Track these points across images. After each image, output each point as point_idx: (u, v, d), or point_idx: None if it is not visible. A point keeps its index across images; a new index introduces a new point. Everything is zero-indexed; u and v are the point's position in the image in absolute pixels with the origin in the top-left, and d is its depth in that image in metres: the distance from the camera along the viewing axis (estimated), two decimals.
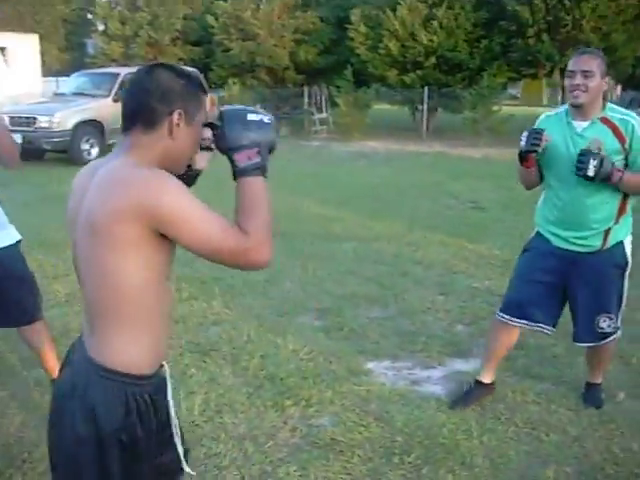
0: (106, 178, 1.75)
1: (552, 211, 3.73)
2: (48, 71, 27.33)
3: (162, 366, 1.94)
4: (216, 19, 23.35)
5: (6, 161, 3.63)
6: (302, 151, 17.69)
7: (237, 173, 1.78)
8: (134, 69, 17.99)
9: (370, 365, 4.51)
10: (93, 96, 16.20)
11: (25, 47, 24.60)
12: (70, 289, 6.04)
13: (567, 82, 3.54)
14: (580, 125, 3.56)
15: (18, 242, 3.71)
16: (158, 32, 25.17)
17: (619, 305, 3.73)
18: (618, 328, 3.74)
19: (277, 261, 6.61)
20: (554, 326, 3.84)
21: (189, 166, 1.97)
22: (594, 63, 3.49)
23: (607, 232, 3.61)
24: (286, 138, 20.67)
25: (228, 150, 1.80)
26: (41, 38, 27.10)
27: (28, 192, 11.31)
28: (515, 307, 3.84)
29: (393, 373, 4.40)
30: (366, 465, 3.29)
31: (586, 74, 3.46)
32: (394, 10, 19.77)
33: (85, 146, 15.27)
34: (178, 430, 1.99)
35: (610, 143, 3.49)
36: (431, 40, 19.37)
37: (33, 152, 15.47)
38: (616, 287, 3.71)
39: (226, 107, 1.87)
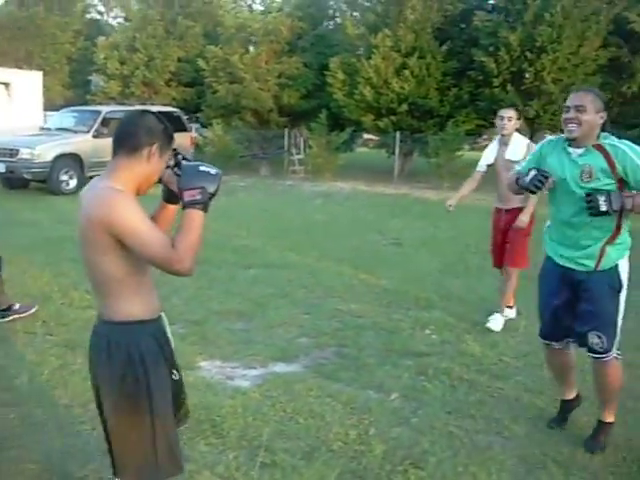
0: (91, 199, 2.50)
1: (554, 230, 4.06)
2: (52, 106, 28.36)
3: (160, 316, 2.74)
4: (207, 62, 24.52)
5: None
6: (272, 189, 18.64)
7: (183, 205, 2.48)
8: (115, 108, 19.08)
9: (202, 363, 5.32)
10: (75, 131, 17.34)
11: (28, 83, 25.59)
12: None
13: (563, 116, 3.84)
14: (575, 152, 3.83)
15: None
16: (153, 73, 26.37)
17: (613, 328, 3.88)
18: (608, 350, 3.89)
19: (176, 280, 7.48)
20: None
21: (170, 190, 2.76)
22: (586, 98, 3.78)
23: (601, 253, 3.82)
24: (266, 177, 21.71)
25: (179, 189, 2.50)
26: (47, 74, 28.32)
27: None
28: (547, 333, 4.22)
29: (217, 370, 5.21)
30: None
31: (579, 109, 3.74)
32: (369, 58, 20.79)
33: (64, 177, 16.35)
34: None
35: (600, 166, 3.72)
36: (403, 88, 20.31)
37: (16, 181, 16.59)
38: (609, 308, 3.87)
39: (185, 162, 2.60)
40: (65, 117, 18.74)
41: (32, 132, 18.39)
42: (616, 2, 19.91)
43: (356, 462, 3.84)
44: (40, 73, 26.65)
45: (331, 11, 27.61)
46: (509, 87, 19.49)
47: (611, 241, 3.82)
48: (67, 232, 10.25)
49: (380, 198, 17.04)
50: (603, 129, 3.84)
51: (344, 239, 10.95)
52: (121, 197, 2.44)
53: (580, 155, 3.81)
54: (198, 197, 2.45)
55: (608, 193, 3.65)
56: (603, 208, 3.64)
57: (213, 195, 2.51)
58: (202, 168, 2.52)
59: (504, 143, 6.33)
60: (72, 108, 20.05)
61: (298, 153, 22.97)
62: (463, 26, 21.17)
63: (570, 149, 3.85)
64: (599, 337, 3.85)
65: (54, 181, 16.12)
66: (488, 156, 6.48)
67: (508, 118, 6.24)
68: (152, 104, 23.15)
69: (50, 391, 4.70)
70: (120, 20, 30.03)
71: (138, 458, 2.61)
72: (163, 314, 2.77)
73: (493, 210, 6.57)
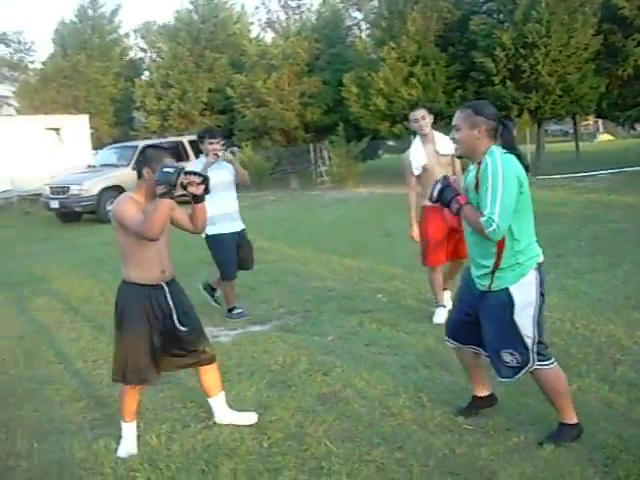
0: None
1: None
2: (101, 144, 30.74)
3: (158, 285, 4.21)
4: (234, 90, 26.63)
5: (243, 182, 7.55)
6: (298, 200, 20.48)
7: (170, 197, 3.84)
8: (151, 141, 21.19)
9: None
10: (116, 166, 19.52)
11: (76, 126, 28.04)
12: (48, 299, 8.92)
13: None
14: (472, 168, 3.92)
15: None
16: (187, 105, 28.64)
17: (522, 341, 3.83)
18: (528, 360, 3.86)
19: (191, 278, 9.26)
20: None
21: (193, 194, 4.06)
22: (460, 117, 3.84)
23: (492, 274, 3.80)
24: (295, 190, 23.62)
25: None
26: (93, 116, 30.85)
27: (56, 245, 14.50)
28: (448, 330, 4.37)
29: (208, 333, 6.95)
30: None
31: (455, 128, 3.86)
32: (378, 71, 22.51)
33: (109, 207, 18.31)
34: (177, 317, 4.24)
35: (474, 182, 3.81)
36: (411, 94, 21.94)
37: (68, 215, 18.79)
38: (509, 327, 3.81)
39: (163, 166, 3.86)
40: (108, 154, 21.06)
41: (80, 170, 20.68)
42: None
43: (284, 375, 5.56)
44: (86, 116, 29.13)
45: (344, 30, 29.45)
46: (509, 83, 20.93)
47: (498, 265, 3.79)
48: (108, 252, 12.27)
49: (392, 198, 18.62)
50: (506, 143, 3.85)
51: (342, 235, 12.68)
52: (123, 200, 4.09)
53: (470, 171, 3.92)
54: (163, 190, 3.79)
55: (446, 186, 3.81)
56: (433, 193, 3.87)
57: (173, 186, 3.79)
58: (165, 169, 3.82)
59: (429, 141, 6.54)
60: (113, 145, 22.40)
61: (324, 164, 24.81)
62: (462, 31, 22.58)
63: (470, 166, 3.96)
64: (511, 354, 3.86)
65: (101, 211, 18.39)
66: (419, 158, 6.58)
67: (422, 117, 6.49)
68: (189, 134, 25.30)
69: (86, 353, 6.59)
70: (158, 54, 32.45)
71: (115, 362, 4.33)
72: (164, 285, 4.22)
73: (427, 210, 6.58)
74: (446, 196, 3.79)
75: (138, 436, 4.50)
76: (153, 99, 29.35)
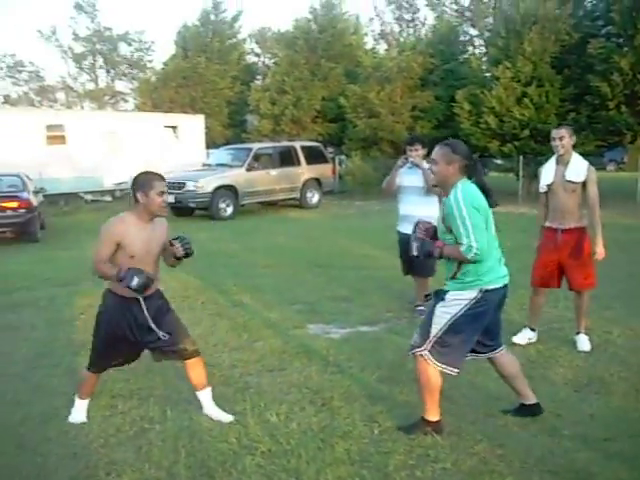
0: None
1: None
2: (214, 144, 31.88)
3: (138, 299, 4.57)
4: (347, 100, 27.23)
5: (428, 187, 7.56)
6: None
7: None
8: (265, 145, 21.97)
9: (310, 326, 7.51)
10: (231, 166, 20.33)
11: (192, 125, 29.20)
12: None
13: None
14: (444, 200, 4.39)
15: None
16: (300, 111, 29.41)
17: (429, 328, 4.40)
18: (422, 344, 4.42)
19: (302, 278, 9.77)
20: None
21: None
22: (438, 153, 4.38)
23: (448, 280, 4.42)
24: None
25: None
26: (208, 117, 32.05)
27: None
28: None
29: (319, 329, 7.40)
30: None
31: (433, 161, 4.41)
32: (492, 89, 22.63)
33: (222, 205, 19.38)
34: (155, 327, 4.66)
35: (440, 216, 4.40)
36: (523, 115, 21.98)
37: (182, 209, 19.68)
38: (430, 312, 4.46)
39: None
40: (223, 154, 21.94)
41: (196, 168, 21.61)
42: None
43: (392, 372, 5.93)
44: (202, 116, 30.28)
45: (459, 47, 29.61)
46: (624, 109, 20.72)
47: (453, 277, 4.37)
48: (222, 247, 12.95)
49: (495, 216, 18.74)
50: (471, 176, 4.41)
51: None
52: (113, 220, 4.51)
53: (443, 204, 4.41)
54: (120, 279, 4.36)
55: (422, 241, 4.38)
56: (414, 252, 4.40)
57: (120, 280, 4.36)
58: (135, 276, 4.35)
59: (563, 163, 6.28)
60: (229, 146, 23.29)
61: None
62: (579, 54, 22.39)
63: (444, 198, 4.41)
64: (417, 333, 4.54)
65: (214, 208, 19.23)
66: (547, 176, 6.45)
67: (560, 138, 6.21)
68: (300, 139, 26.01)
69: (207, 337, 7.13)
70: (274, 60, 33.47)
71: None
72: (142, 299, 4.58)
73: (544, 229, 6.63)
74: (426, 249, 4.36)
75: (259, 413, 4.99)
76: (267, 103, 30.28)
